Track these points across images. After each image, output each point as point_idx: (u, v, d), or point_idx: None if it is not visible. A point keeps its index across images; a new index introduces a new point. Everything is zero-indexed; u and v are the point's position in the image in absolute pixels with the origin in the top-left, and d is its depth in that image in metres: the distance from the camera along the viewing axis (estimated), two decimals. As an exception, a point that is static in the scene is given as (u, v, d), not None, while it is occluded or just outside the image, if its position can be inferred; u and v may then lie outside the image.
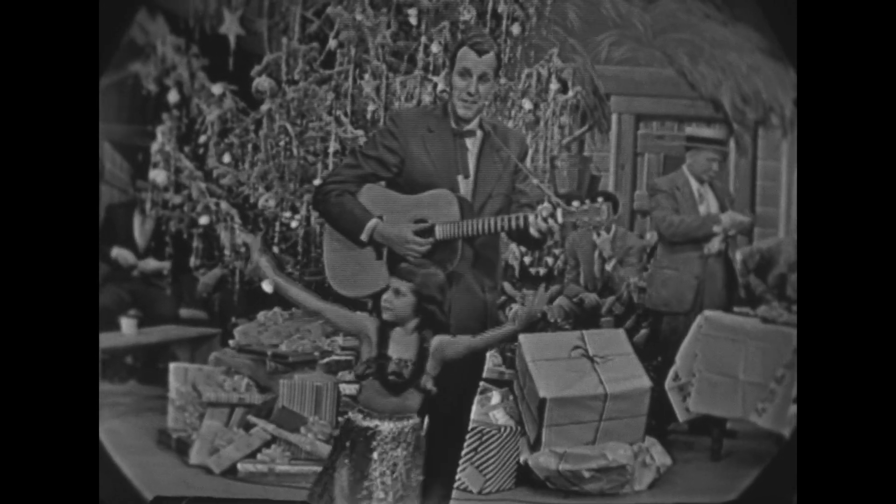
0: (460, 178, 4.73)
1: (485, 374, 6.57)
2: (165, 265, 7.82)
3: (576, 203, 4.43)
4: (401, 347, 4.25)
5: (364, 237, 4.73)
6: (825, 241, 4.33)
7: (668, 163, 7.84)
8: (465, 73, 4.67)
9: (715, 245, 7.12)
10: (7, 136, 4.26)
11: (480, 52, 4.67)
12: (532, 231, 4.49)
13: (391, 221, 4.73)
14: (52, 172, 4.30)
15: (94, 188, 4.59)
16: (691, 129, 7.42)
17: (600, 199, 4.42)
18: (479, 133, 4.79)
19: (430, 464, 4.81)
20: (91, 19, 4.47)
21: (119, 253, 7.86)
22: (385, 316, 4.25)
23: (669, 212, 7.14)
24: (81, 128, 4.39)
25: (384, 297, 4.24)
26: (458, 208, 4.64)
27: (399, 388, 4.25)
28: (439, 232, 4.64)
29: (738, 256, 7.40)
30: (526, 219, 4.50)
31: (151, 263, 7.87)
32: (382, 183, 4.82)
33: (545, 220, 4.45)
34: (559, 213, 4.44)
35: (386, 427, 4.25)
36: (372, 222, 4.72)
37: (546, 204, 4.49)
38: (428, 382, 4.24)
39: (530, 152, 7.54)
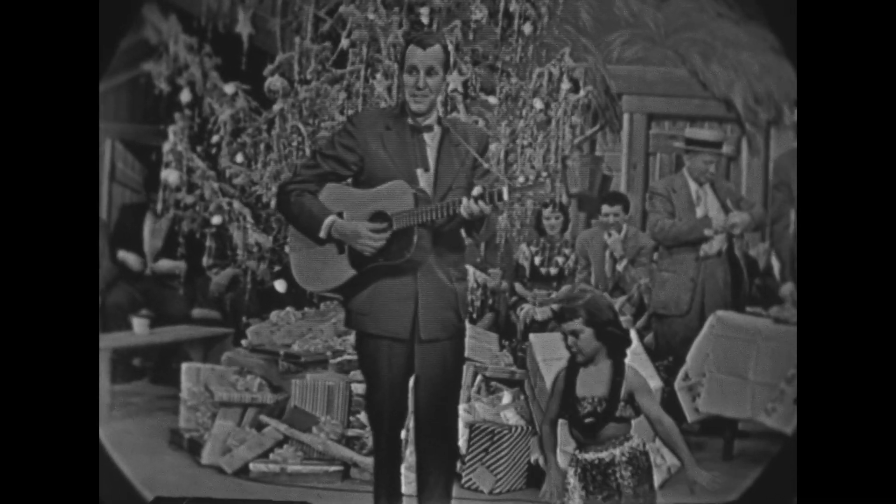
0: (419, 171, 4.79)
1: (496, 374, 6.63)
2: (180, 265, 7.84)
3: (521, 179, 4.48)
4: (590, 385, 4.28)
5: (322, 234, 4.80)
6: (825, 241, 4.33)
7: (679, 163, 7.82)
8: (413, 70, 4.74)
9: (714, 246, 7.13)
10: (8, 136, 4.28)
11: (425, 46, 4.75)
12: (462, 212, 4.54)
13: (351, 216, 4.80)
14: (52, 172, 4.33)
15: (94, 188, 4.62)
16: (689, 132, 7.42)
17: (544, 174, 4.47)
18: (437, 129, 4.85)
19: (422, 463, 4.88)
20: (92, 18, 4.51)
21: (125, 257, 7.88)
22: (579, 360, 4.29)
23: (663, 215, 7.18)
24: (82, 128, 4.41)
25: (568, 343, 4.29)
26: (412, 198, 4.70)
27: (597, 428, 4.28)
28: (395, 222, 4.70)
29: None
30: (460, 202, 4.56)
31: (166, 264, 7.90)
32: (347, 181, 4.88)
33: (476, 201, 4.50)
34: (504, 190, 4.49)
35: (608, 454, 4.29)
36: (329, 219, 4.79)
37: (477, 187, 4.55)
38: (625, 411, 4.28)
39: (541, 152, 7.55)
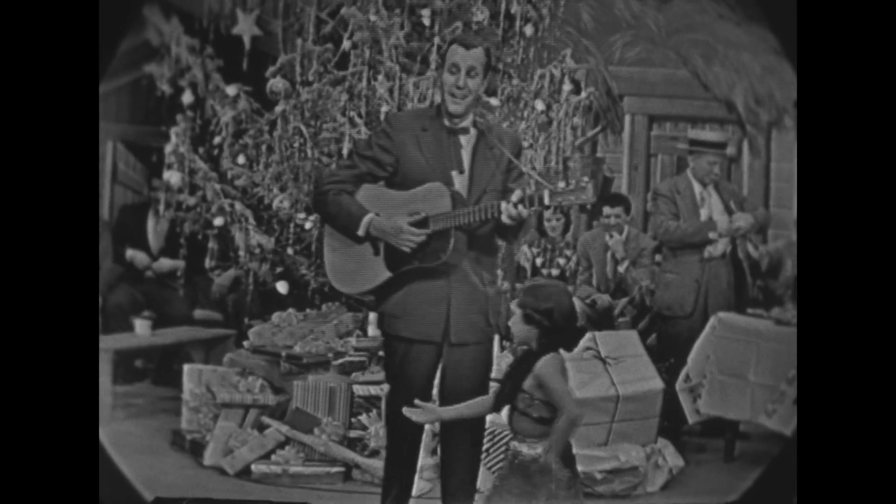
0: (455, 173, 4.79)
1: (496, 375, 6.62)
2: (180, 264, 7.84)
3: (561, 184, 4.46)
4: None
5: (361, 232, 4.80)
6: (826, 241, 4.33)
7: (681, 164, 7.82)
8: (454, 69, 4.76)
9: (718, 248, 7.12)
10: (8, 137, 4.29)
11: (468, 47, 4.77)
12: (504, 218, 4.54)
13: (387, 218, 4.79)
14: (53, 173, 4.33)
15: (95, 189, 4.63)
16: (693, 133, 7.41)
17: (585, 179, 4.45)
18: (473, 131, 4.85)
19: (446, 466, 4.88)
20: (93, 19, 4.52)
21: (134, 255, 7.90)
22: (514, 341, 4.30)
23: (667, 217, 7.17)
24: (83, 129, 4.42)
25: (509, 322, 4.27)
26: (449, 200, 4.70)
27: (498, 407, 4.26)
28: (432, 224, 4.70)
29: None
30: (499, 206, 4.55)
31: (166, 263, 7.91)
32: (381, 183, 4.88)
33: (515, 205, 4.51)
34: (546, 194, 4.48)
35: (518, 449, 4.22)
36: (368, 217, 4.79)
37: (518, 191, 4.55)
38: (521, 403, 4.18)
39: (542, 153, 7.55)
